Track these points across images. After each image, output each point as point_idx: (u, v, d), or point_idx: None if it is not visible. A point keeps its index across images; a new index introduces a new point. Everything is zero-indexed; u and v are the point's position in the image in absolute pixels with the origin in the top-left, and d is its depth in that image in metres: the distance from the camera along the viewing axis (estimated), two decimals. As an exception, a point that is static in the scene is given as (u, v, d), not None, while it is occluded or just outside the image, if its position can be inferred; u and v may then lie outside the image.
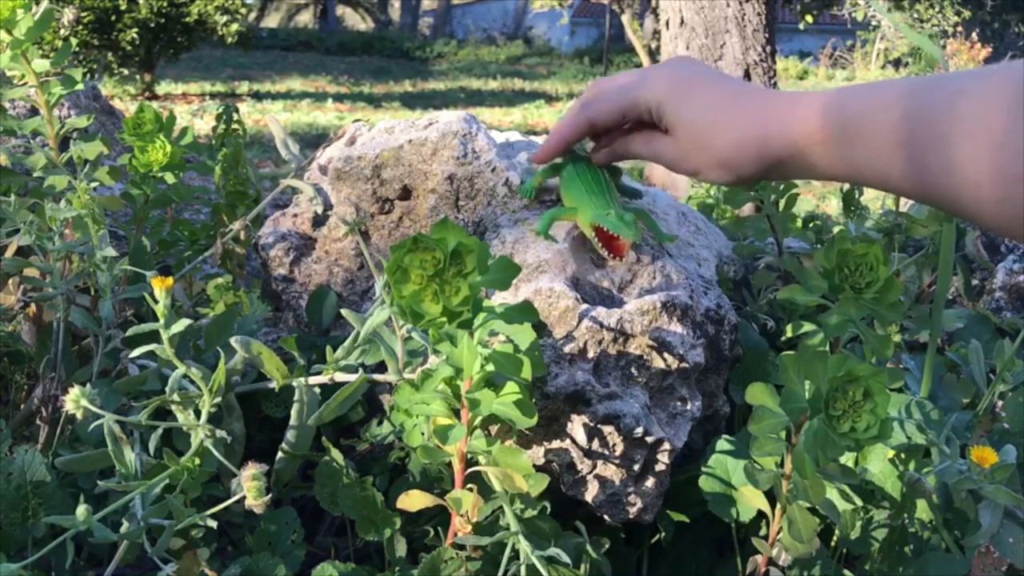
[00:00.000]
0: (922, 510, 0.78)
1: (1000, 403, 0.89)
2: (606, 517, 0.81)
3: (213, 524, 0.68)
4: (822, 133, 0.59)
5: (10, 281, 0.98)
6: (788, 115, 0.62)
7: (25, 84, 0.99)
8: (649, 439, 0.78)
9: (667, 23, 3.49)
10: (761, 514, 0.77)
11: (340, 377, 0.81)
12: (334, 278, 0.99)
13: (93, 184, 0.92)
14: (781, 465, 0.72)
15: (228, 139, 1.14)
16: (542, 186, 0.88)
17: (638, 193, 0.94)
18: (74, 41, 1.28)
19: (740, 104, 0.65)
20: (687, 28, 3.40)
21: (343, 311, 0.80)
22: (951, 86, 0.53)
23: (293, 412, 0.82)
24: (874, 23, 7.34)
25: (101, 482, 0.70)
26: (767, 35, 3.38)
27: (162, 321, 0.67)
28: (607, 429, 0.78)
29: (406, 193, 0.95)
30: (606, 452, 0.78)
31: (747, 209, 2.06)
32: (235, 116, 1.16)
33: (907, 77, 0.59)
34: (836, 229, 1.08)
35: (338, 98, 9.57)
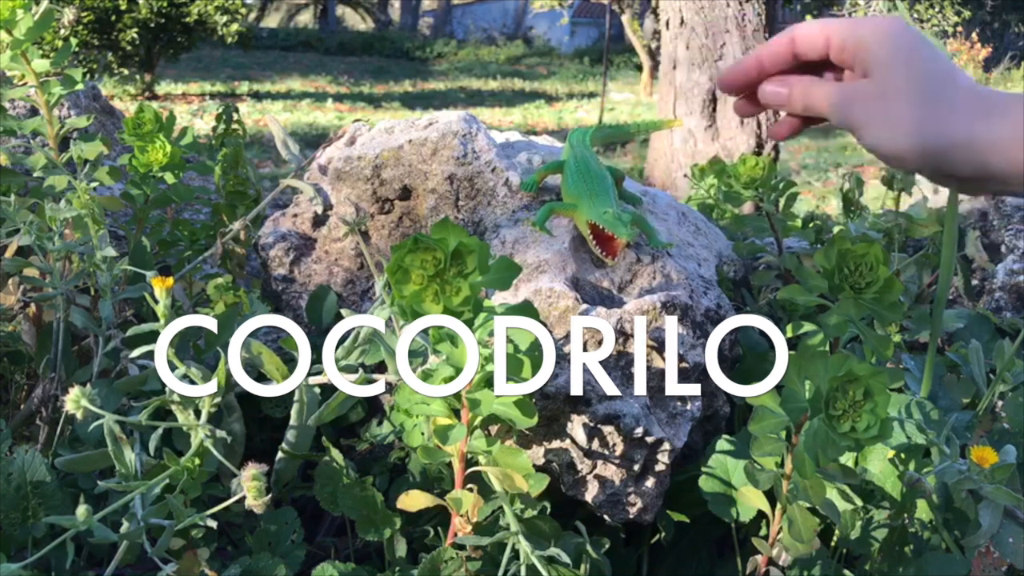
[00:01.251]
0: (922, 510, 0.78)
1: (1000, 403, 0.89)
2: (606, 517, 0.81)
3: (213, 524, 0.68)
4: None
5: (10, 281, 0.98)
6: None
7: (25, 84, 0.99)
8: (649, 439, 0.78)
9: (667, 23, 3.49)
10: (761, 514, 0.77)
11: (340, 377, 0.81)
12: (334, 278, 0.99)
13: (93, 184, 0.92)
14: (781, 465, 0.72)
15: (228, 139, 1.14)
16: (543, 182, 0.89)
17: (638, 199, 0.94)
18: (74, 41, 1.28)
19: (956, 92, 0.57)
20: (687, 28, 3.40)
21: (343, 311, 0.80)
22: None
23: (293, 412, 0.82)
24: (874, 23, 7.32)
25: (101, 482, 0.70)
26: (767, 35, 3.38)
27: (162, 321, 0.67)
28: (607, 429, 0.77)
29: (406, 193, 0.95)
30: (606, 452, 0.78)
31: (747, 208, 2.06)
32: (235, 116, 1.16)
33: None
34: (836, 229, 1.08)
35: (338, 98, 9.57)
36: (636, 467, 0.79)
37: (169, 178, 0.97)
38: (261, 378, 0.85)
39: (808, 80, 0.64)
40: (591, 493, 0.79)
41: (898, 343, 0.97)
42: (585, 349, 0.78)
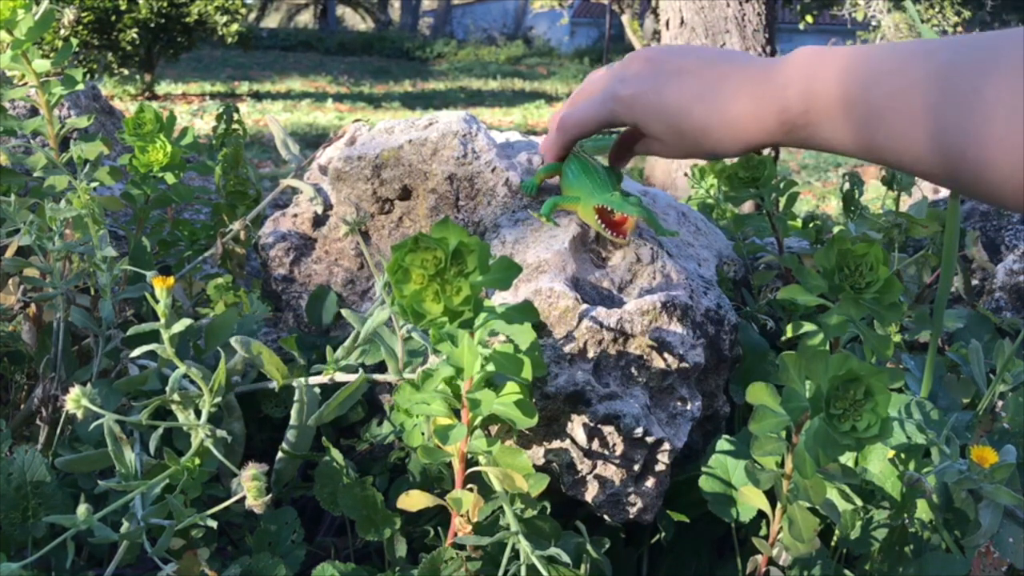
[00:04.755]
0: (922, 510, 0.78)
1: (1000, 403, 0.89)
2: (606, 517, 0.81)
3: (213, 524, 0.68)
4: (838, 109, 0.58)
5: (10, 281, 0.98)
6: (789, 90, 0.61)
7: (25, 84, 0.99)
8: (649, 439, 0.78)
9: (667, 23, 3.49)
10: (761, 514, 0.77)
11: (340, 377, 0.81)
12: (334, 278, 0.99)
13: (93, 184, 0.92)
14: (781, 465, 0.72)
15: (228, 139, 1.14)
16: (544, 184, 0.89)
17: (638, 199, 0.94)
18: (74, 41, 1.28)
19: (724, 96, 0.65)
20: (687, 28, 3.40)
21: (343, 311, 0.80)
22: (977, 55, 0.52)
23: (293, 412, 0.82)
24: (874, 23, 7.34)
25: (101, 482, 0.70)
26: (767, 35, 3.38)
27: (162, 321, 0.67)
28: (607, 429, 0.77)
29: (406, 193, 0.95)
30: (606, 452, 0.78)
31: (747, 207, 2.06)
32: (235, 116, 1.16)
33: (923, 41, 0.56)
34: (836, 229, 1.09)
35: (338, 98, 9.57)
36: (636, 467, 0.79)
37: (169, 178, 0.97)
38: (261, 378, 0.85)
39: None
40: (591, 493, 0.79)
41: (898, 343, 0.97)
42: (585, 349, 0.78)
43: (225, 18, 8.79)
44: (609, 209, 0.78)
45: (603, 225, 0.79)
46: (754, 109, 0.63)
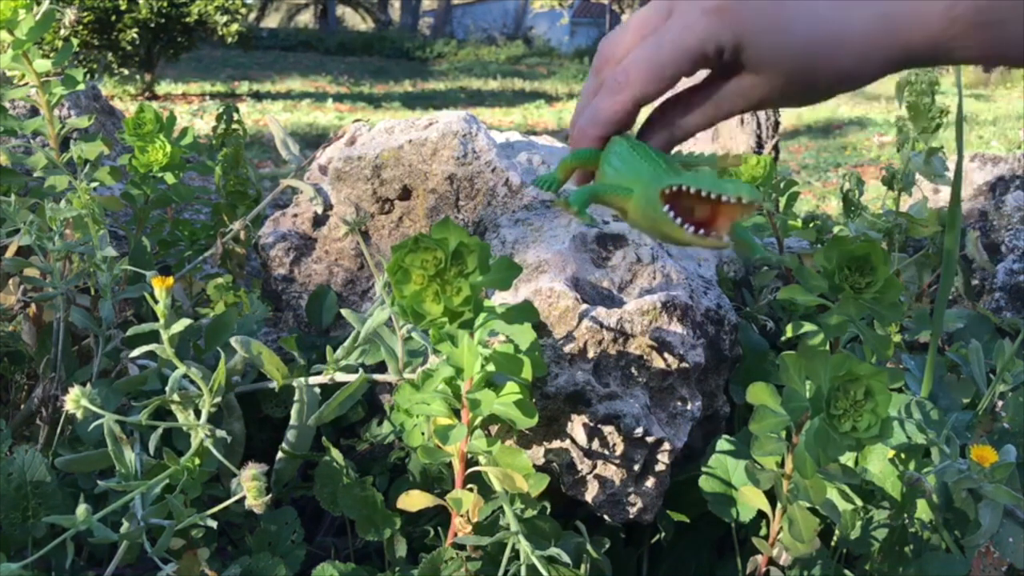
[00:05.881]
0: (922, 510, 0.78)
1: (1000, 403, 0.89)
2: (606, 517, 0.81)
3: (213, 524, 0.68)
4: (973, 18, 0.45)
5: (10, 281, 0.98)
6: (923, 7, 0.46)
7: (26, 84, 0.99)
8: (649, 439, 0.78)
9: (667, 23, 3.49)
10: (761, 514, 0.77)
11: (340, 377, 0.81)
12: (334, 278, 0.99)
13: (93, 184, 0.92)
14: (781, 465, 0.72)
15: (228, 139, 1.14)
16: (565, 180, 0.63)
17: None
18: (74, 41, 1.28)
19: (848, 7, 0.48)
20: (687, 28, 3.40)
21: (343, 311, 0.80)
22: None
23: (293, 412, 0.82)
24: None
25: (101, 482, 0.70)
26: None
27: (162, 321, 0.67)
28: (607, 429, 0.77)
29: (406, 193, 0.95)
30: (606, 452, 0.78)
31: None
32: (235, 116, 1.16)
33: None
34: (836, 229, 1.08)
35: (338, 98, 9.57)
36: (636, 467, 0.79)
37: (169, 178, 0.97)
38: (261, 378, 0.85)
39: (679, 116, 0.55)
40: (591, 493, 0.79)
41: (898, 343, 0.97)
42: (585, 349, 0.78)
43: (225, 18, 8.79)
44: (693, 193, 0.49)
45: (679, 220, 0.50)
46: (895, 10, 0.48)
